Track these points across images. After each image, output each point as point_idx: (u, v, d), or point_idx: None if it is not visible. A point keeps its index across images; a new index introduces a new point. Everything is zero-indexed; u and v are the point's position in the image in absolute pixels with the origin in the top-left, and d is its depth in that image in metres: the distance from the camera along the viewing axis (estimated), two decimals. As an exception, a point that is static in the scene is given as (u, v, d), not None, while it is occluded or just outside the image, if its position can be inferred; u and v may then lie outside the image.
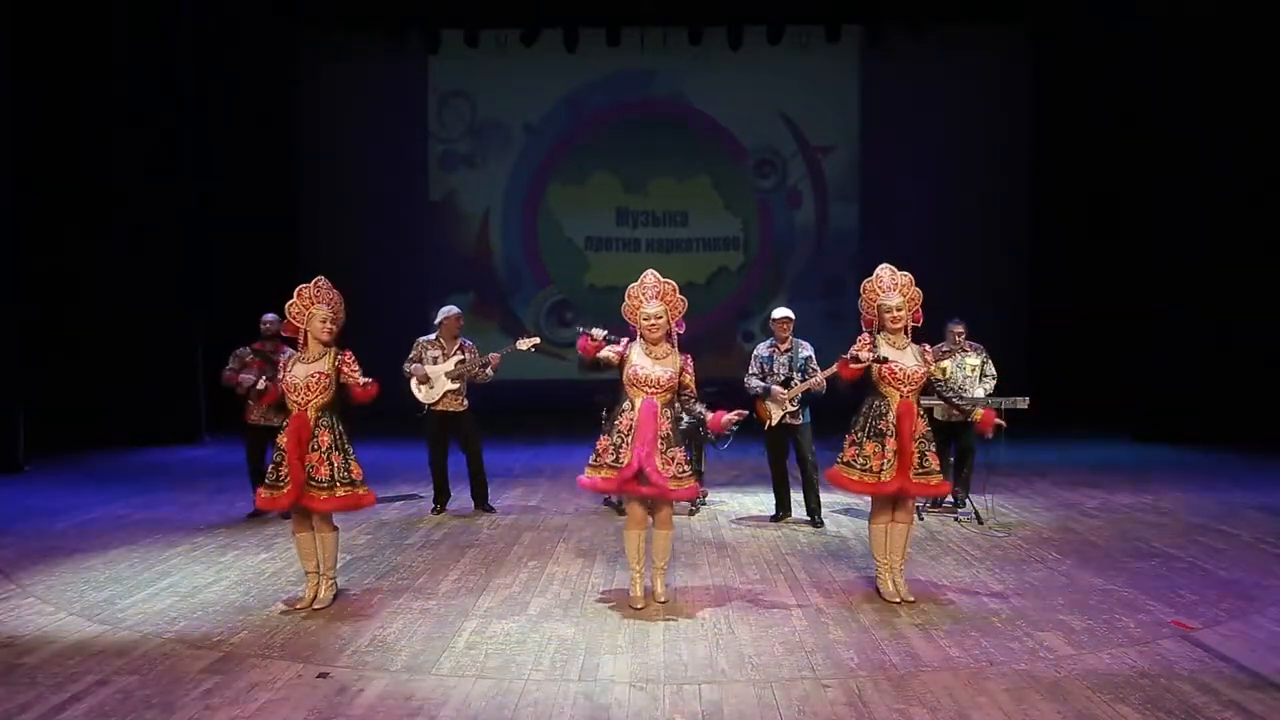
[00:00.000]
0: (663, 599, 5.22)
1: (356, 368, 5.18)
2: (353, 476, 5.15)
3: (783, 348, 7.09)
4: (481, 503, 7.77)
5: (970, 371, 7.43)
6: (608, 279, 14.36)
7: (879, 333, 5.25)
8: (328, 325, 5.15)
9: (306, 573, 5.27)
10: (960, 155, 14.75)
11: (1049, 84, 14.42)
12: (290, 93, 14.69)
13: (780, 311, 7.17)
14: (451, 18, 14.66)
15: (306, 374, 5.11)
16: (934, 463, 5.21)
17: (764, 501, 7.90)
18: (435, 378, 7.41)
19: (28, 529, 7.19)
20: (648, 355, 5.14)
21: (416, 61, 15.13)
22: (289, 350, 5.43)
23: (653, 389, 5.10)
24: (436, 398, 7.43)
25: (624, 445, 5.06)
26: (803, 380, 6.97)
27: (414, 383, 7.44)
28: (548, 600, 5.31)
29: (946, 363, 7.27)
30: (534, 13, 14.45)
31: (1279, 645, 4.55)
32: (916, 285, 5.31)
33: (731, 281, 15.33)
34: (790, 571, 5.92)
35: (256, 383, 7.22)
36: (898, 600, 5.21)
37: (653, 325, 5.12)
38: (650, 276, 5.26)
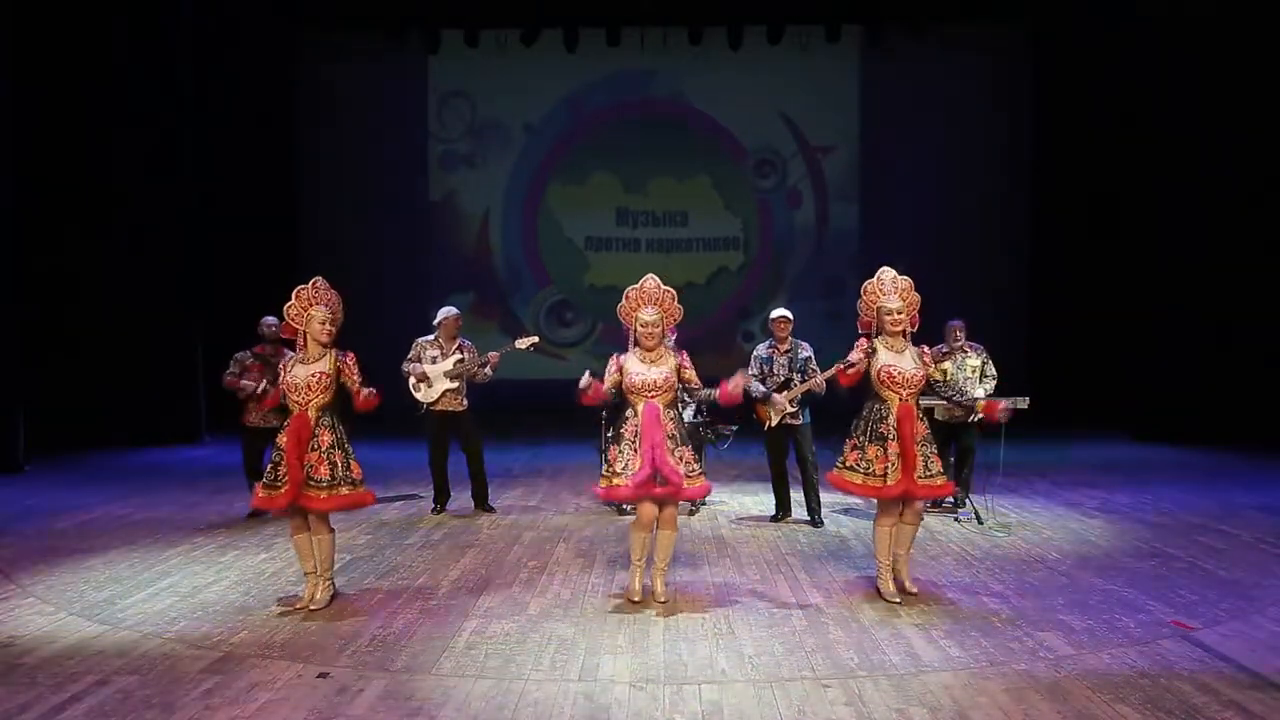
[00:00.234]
0: (663, 599, 5.23)
1: (358, 371, 5.19)
2: (354, 476, 5.16)
3: (782, 348, 7.08)
4: (481, 503, 7.77)
5: (970, 372, 7.43)
6: (608, 279, 14.37)
7: (877, 336, 5.26)
8: (327, 326, 5.15)
9: (306, 573, 5.27)
10: (960, 155, 14.75)
11: (1049, 84, 14.42)
12: (290, 93, 14.69)
13: (778, 311, 7.17)
14: (451, 18, 14.66)
15: (307, 374, 5.11)
16: (935, 465, 5.22)
17: (764, 501, 7.90)
18: (434, 377, 7.41)
19: (28, 529, 7.19)
20: (642, 361, 5.19)
21: (416, 61, 15.13)
22: (289, 354, 5.42)
23: (652, 392, 5.15)
24: (435, 397, 7.43)
25: (632, 451, 5.11)
26: (803, 380, 6.97)
27: (412, 382, 7.44)
28: (548, 600, 5.31)
29: (947, 364, 7.27)
30: (534, 13, 14.45)
31: (1279, 645, 4.55)
32: (916, 289, 5.33)
33: (731, 281, 15.34)
34: (790, 571, 5.91)
35: (257, 388, 7.25)
36: (898, 600, 5.21)
37: (649, 333, 5.17)
38: (651, 282, 5.29)
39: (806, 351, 7.08)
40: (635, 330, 5.22)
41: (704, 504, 7.84)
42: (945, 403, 7.11)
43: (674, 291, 5.31)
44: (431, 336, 7.55)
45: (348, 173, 14.93)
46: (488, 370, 7.49)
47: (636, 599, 5.22)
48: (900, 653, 4.45)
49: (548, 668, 4.30)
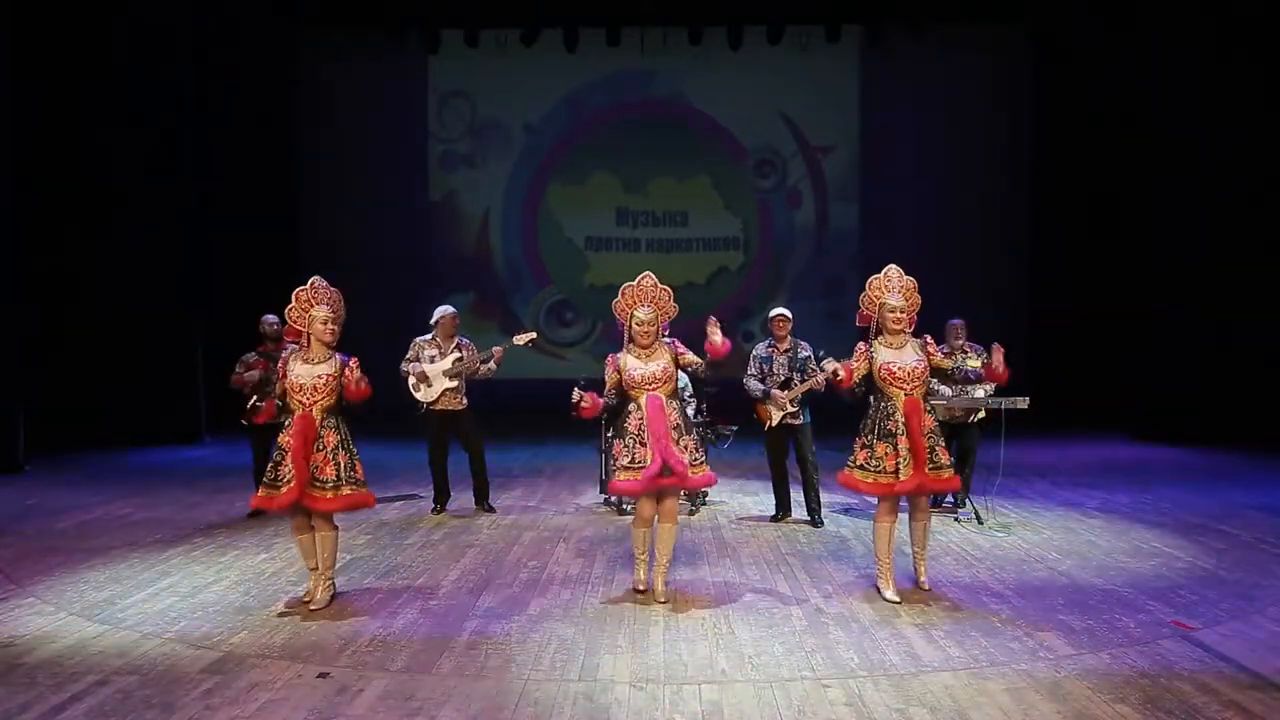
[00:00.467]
0: (663, 599, 5.24)
1: (359, 374, 5.21)
2: (357, 476, 5.18)
3: (781, 347, 7.09)
4: (482, 502, 7.77)
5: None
6: (608, 279, 14.35)
7: (877, 336, 5.29)
8: (330, 326, 5.16)
9: (311, 570, 5.28)
10: (960, 155, 14.75)
11: (1049, 84, 14.41)
12: (290, 93, 14.69)
13: (777, 311, 7.17)
14: (451, 18, 14.65)
15: (312, 376, 5.12)
16: (943, 457, 5.23)
17: (764, 501, 7.90)
18: (433, 377, 7.41)
19: (28, 529, 7.19)
20: (637, 358, 5.24)
21: (416, 61, 15.12)
22: (290, 346, 5.41)
23: (652, 384, 5.22)
24: (435, 396, 7.43)
25: (639, 445, 5.14)
26: (802, 380, 6.98)
27: (412, 382, 7.44)
28: (548, 600, 5.31)
29: (948, 363, 7.27)
30: (534, 13, 14.44)
31: (1279, 645, 4.55)
32: (919, 291, 5.36)
33: (731, 281, 15.33)
34: (790, 571, 5.91)
35: (260, 376, 7.20)
36: (898, 600, 5.22)
37: (645, 331, 5.22)
38: (647, 280, 5.35)
39: (806, 351, 7.08)
40: (630, 328, 5.27)
41: (704, 503, 7.84)
42: (945, 402, 7.14)
43: (670, 289, 5.35)
44: (429, 336, 7.55)
45: (348, 173, 14.92)
46: (491, 365, 7.49)
47: (642, 589, 5.31)
48: (900, 653, 4.45)
49: (548, 668, 4.30)
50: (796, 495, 7.39)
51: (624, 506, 7.40)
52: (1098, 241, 13.54)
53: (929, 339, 5.39)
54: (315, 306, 5.16)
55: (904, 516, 5.44)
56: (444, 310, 7.62)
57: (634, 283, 5.34)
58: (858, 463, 5.26)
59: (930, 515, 5.52)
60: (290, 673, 4.24)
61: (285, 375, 5.17)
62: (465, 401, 7.55)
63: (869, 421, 5.28)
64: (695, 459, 5.25)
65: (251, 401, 7.35)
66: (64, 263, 11.38)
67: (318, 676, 4.19)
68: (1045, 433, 11.33)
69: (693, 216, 15.33)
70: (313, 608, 5.13)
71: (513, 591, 5.49)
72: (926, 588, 5.39)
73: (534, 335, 7.71)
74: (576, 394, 5.37)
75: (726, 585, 5.61)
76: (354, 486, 5.16)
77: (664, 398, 5.20)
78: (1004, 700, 3.90)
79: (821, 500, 7.23)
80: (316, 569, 5.25)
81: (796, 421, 7.07)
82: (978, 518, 7.18)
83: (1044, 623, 4.87)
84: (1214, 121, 11.42)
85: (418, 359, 7.45)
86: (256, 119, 13.81)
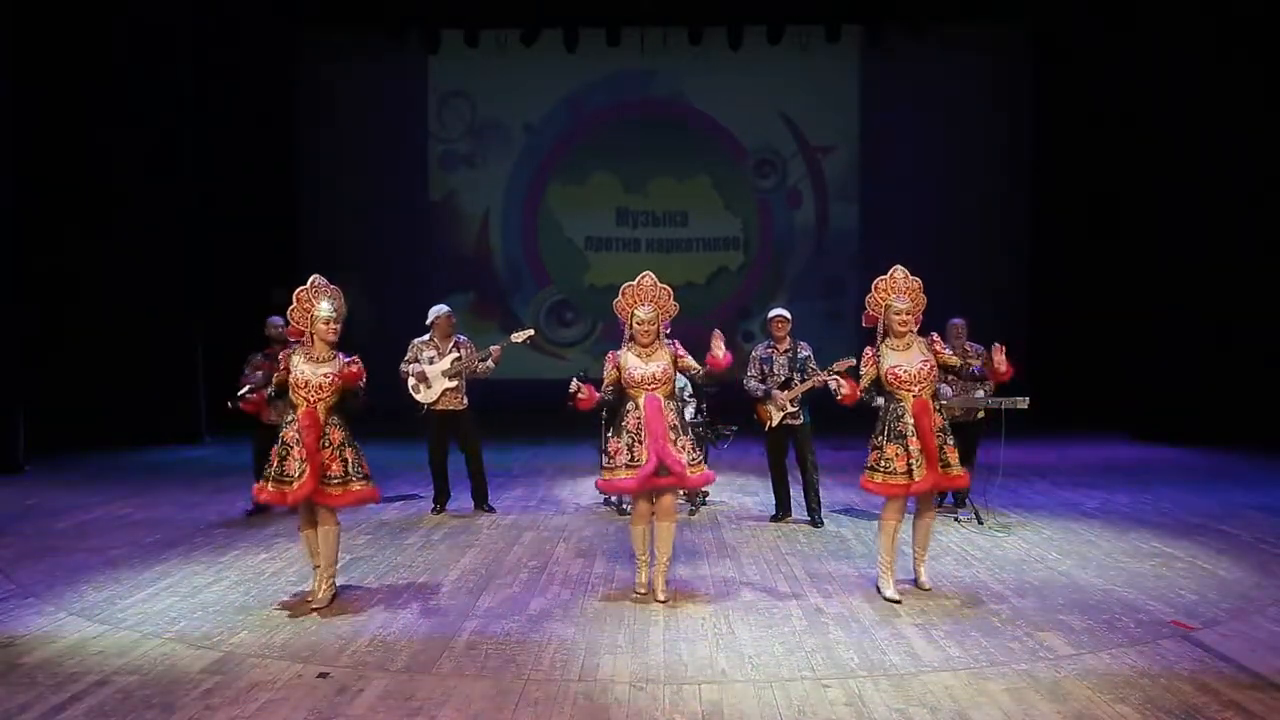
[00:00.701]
0: (663, 599, 5.24)
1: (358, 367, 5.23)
2: (364, 471, 5.22)
3: (781, 348, 7.09)
4: (481, 503, 7.77)
5: (970, 372, 7.43)
6: (608, 279, 14.35)
7: (883, 340, 5.29)
8: (332, 325, 5.16)
9: (314, 567, 5.29)
10: (960, 155, 14.75)
11: (1049, 84, 14.42)
12: (290, 93, 14.69)
13: (776, 311, 7.18)
14: (451, 18, 14.65)
15: (318, 375, 5.12)
16: (951, 456, 5.23)
17: (764, 501, 7.90)
18: (433, 377, 7.41)
19: (28, 529, 7.19)
20: (638, 356, 5.25)
21: (416, 61, 15.12)
22: (292, 343, 5.41)
23: (651, 385, 5.23)
24: (435, 397, 7.43)
25: (636, 443, 5.14)
26: (802, 380, 6.98)
27: (411, 383, 7.44)
28: (548, 600, 5.31)
29: (956, 360, 7.27)
30: (534, 13, 14.44)
31: (1279, 645, 4.55)
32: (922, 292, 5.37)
33: (731, 281, 15.33)
34: (790, 571, 5.91)
35: (264, 378, 7.20)
36: (898, 600, 5.22)
37: (645, 330, 5.23)
38: (648, 279, 5.36)
39: (806, 351, 7.09)
40: (631, 327, 5.29)
41: (704, 503, 7.84)
42: (945, 402, 7.13)
43: (670, 289, 5.36)
44: (426, 337, 7.55)
45: (348, 173, 14.93)
46: (490, 363, 7.49)
47: (643, 591, 5.32)
48: (900, 653, 4.45)
49: (548, 668, 4.30)
50: (796, 495, 7.40)
51: (624, 506, 7.40)
52: (1098, 241, 13.54)
53: (935, 336, 5.40)
54: (317, 305, 5.16)
55: (907, 516, 5.44)
56: (438, 310, 7.62)
57: (634, 282, 5.35)
58: (870, 465, 5.28)
59: (935, 514, 5.51)
60: (290, 673, 4.24)
61: (287, 368, 5.17)
62: (466, 401, 7.55)
63: (880, 424, 5.30)
64: (693, 458, 5.27)
65: (244, 390, 7.32)
66: (64, 263, 11.39)
67: (318, 676, 4.19)
68: (1045, 433, 11.33)
69: (693, 216, 15.33)
70: (314, 606, 5.13)
71: (513, 591, 5.49)
72: (927, 588, 5.41)
73: (531, 332, 7.73)
74: (575, 384, 5.39)
75: (726, 585, 5.61)
76: (363, 482, 5.20)
77: (662, 398, 5.22)
78: (1004, 700, 3.90)
79: (821, 500, 7.23)
80: (320, 566, 5.25)
81: (796, 422, 7.07)
82: (978, 518, 7.18)
83: (1044, 623, 4.87)
84: (1214, 121, 11.42)
85: (416, 360, 7.45)
86: (256, 119, 13.81)
